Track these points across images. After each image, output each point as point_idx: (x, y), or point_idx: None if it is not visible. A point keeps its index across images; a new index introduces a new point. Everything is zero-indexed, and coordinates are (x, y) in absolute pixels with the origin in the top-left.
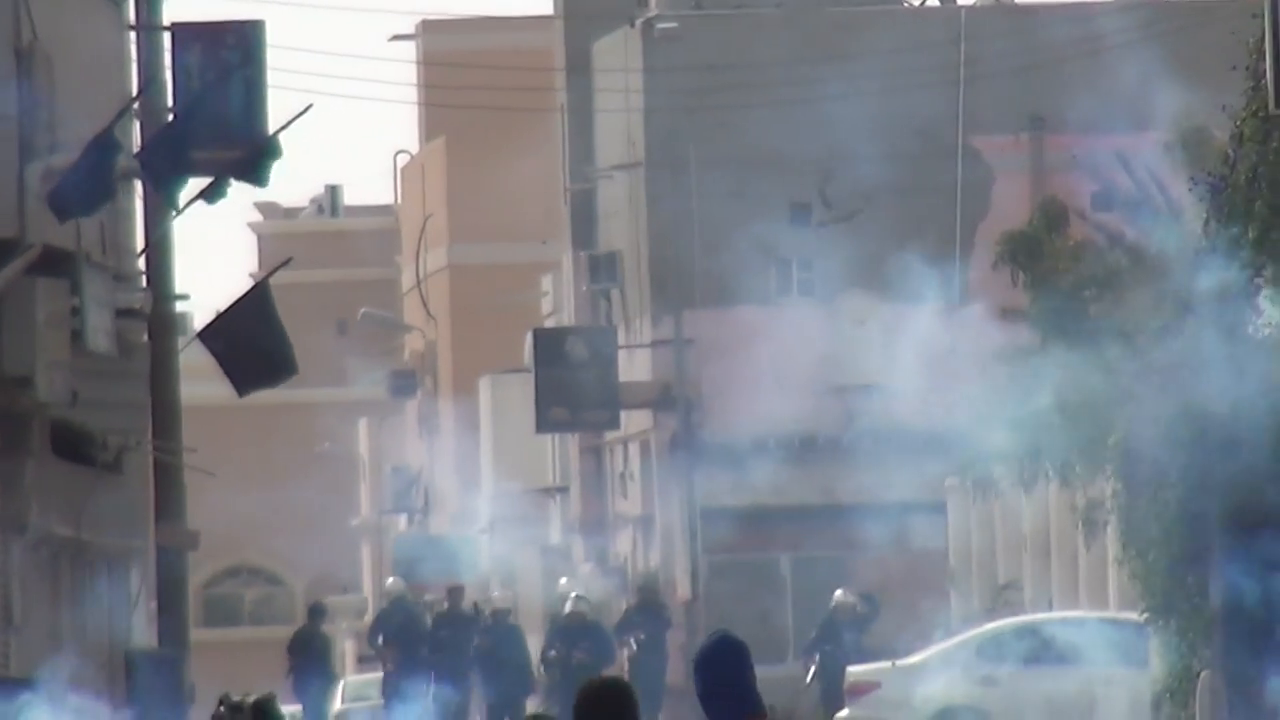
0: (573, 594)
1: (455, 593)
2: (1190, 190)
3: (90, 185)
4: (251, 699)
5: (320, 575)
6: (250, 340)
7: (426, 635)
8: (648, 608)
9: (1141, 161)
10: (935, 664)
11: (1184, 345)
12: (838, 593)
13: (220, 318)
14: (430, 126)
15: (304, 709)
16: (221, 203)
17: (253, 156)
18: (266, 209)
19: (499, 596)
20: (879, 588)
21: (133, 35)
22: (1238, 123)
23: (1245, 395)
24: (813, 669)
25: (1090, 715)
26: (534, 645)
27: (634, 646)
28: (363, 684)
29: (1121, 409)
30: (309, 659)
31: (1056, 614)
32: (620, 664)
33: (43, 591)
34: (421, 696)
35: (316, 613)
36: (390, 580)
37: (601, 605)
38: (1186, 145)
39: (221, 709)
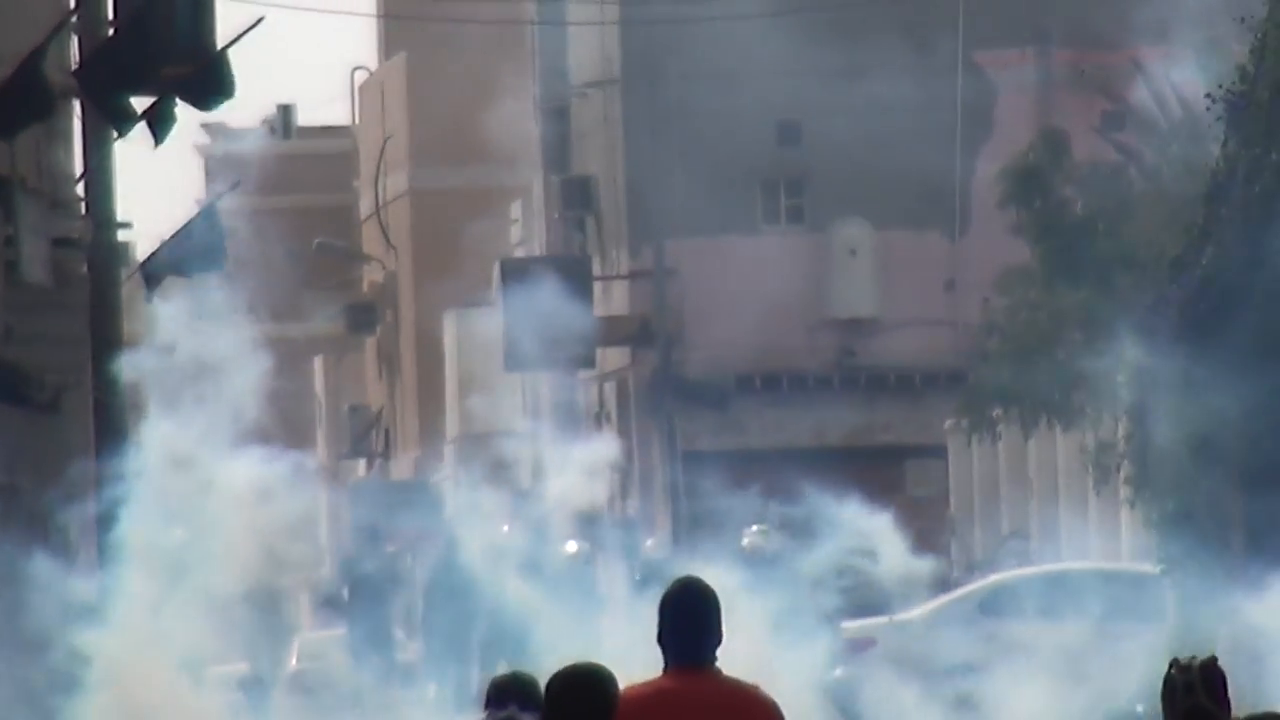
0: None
1: (453, 544)
2: (1207, 109)
3: (26, 101)
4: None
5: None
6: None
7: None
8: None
9: (1159, 74)
10: (935, 619)
11: (1202, 276)
12: (753, 529)
13: (164, 247)
14: (390, 41)
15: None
16: (169, 127)
17: (200, 74)
18: (213, 130)
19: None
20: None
21: None
22: (1258, 35)
23: (1267, 328)
24: None
25: (1103, 674)
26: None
27: None
28: (318, 641)
29: (1134, 344)
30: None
31: (1065, 565)
32: None
33: None
34: None
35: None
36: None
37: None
38: (1201, 58)
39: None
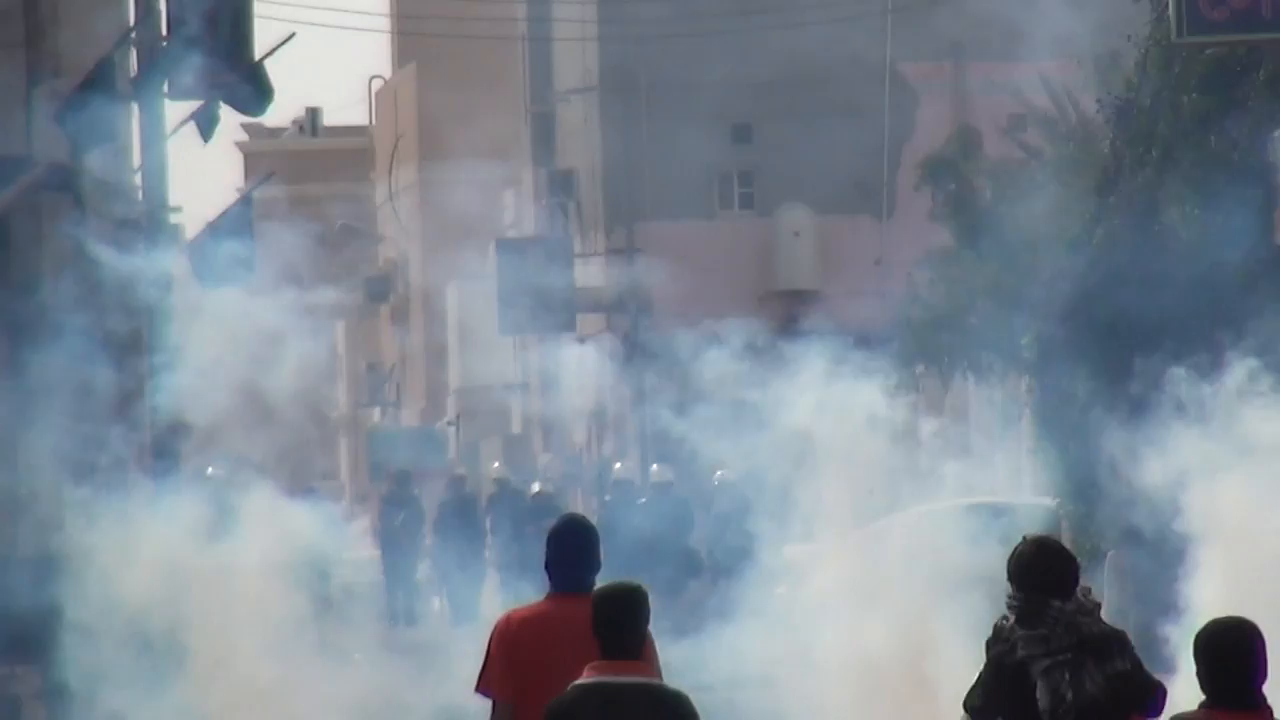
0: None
1: (457, 481)
2: (1097, 112)
3: (92, 108)
4: None
5: (301, 463)
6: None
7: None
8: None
9: (1058, 84)
10: (861, 544)
11: (1092, 254)
12: (719, 473)
13: (207, 228)
14: (402, 53)
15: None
16: (214, 127)
17: (240, 82)
18: (252, 129)
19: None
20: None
21: None
22: (1142, 50)
23: (1149, 298)
24: None
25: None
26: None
27: None
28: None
29: (1035, 312)
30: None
31: (976, 498)
32: None
33: (57, 478)
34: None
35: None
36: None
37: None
38: (1098, 69)
39: None
